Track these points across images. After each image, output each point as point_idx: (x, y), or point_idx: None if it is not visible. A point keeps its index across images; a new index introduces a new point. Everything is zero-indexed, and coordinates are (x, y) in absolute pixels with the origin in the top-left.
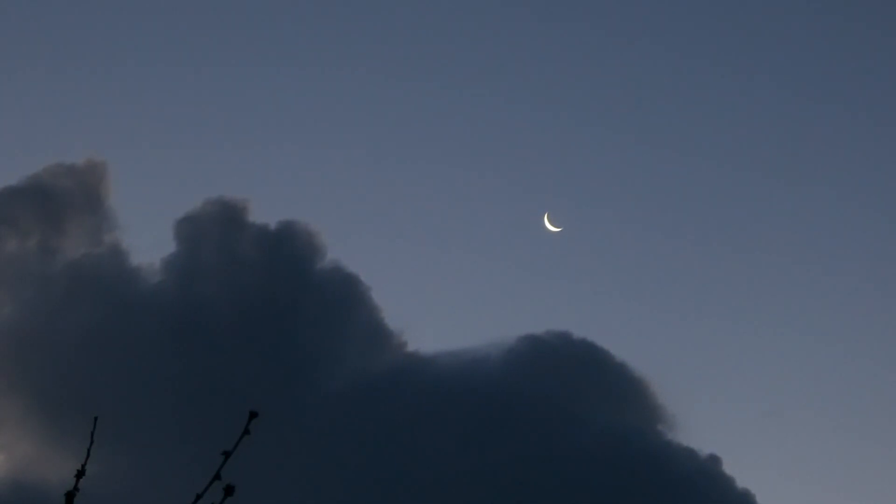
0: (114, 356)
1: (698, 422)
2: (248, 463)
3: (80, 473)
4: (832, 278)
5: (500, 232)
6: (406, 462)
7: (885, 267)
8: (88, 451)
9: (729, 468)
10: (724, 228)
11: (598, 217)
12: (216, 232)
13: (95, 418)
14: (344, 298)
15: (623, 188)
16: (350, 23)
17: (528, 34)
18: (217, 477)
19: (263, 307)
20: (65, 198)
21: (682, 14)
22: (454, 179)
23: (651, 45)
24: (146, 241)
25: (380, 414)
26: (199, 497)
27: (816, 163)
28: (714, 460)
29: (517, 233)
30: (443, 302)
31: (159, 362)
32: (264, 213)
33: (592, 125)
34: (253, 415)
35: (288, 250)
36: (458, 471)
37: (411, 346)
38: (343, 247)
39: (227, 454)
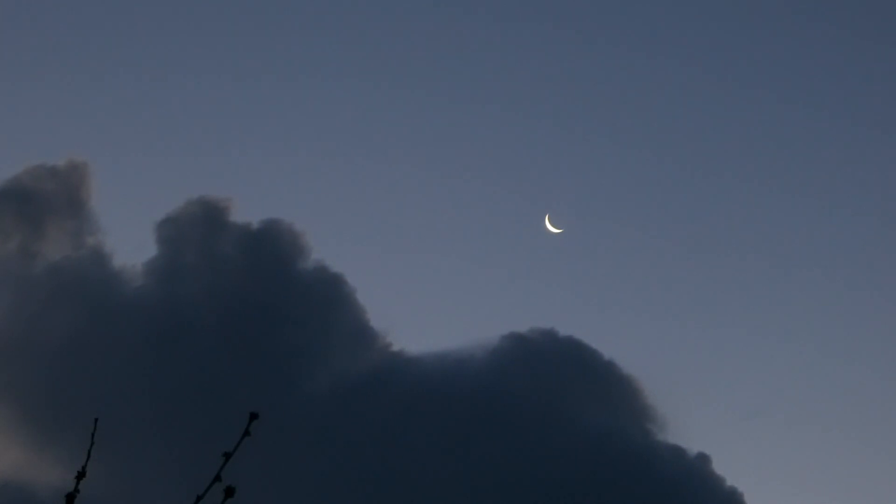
0: (96, 360)
1: (687, 421)
2: (232, 463)
3: (81, 475)
4: (821, 282)
5: (486, 232)
6: (391, 462)
7: (871, 271)
8: (89, 452)
9: (718, 467)
10: (715, 230)
11: (588, 216)
12: (199, 233)
13: (96, 420)
14: (329, 299)
15: (613, 188)
16: (333, 23)
17: (525, 38)
18: (217, 478)
19: (247, 308)
20: (46, 200)
21: (680, 25)
22: (438, 181)
23: (650, 54)
24: (129, 243)
25: (365, 414)
26: (199, 498)
27: (802, 171)
28: (703, 459)
29: (502, 232)
30: (428, 302)
31: (142, 366)
32: (247, 212)
33: (571, 125)
34: (253, 416)
35: (271, 250)
36: (443, 471)
37: (396, 347)
38: (328, 247)
39: (227, 455)
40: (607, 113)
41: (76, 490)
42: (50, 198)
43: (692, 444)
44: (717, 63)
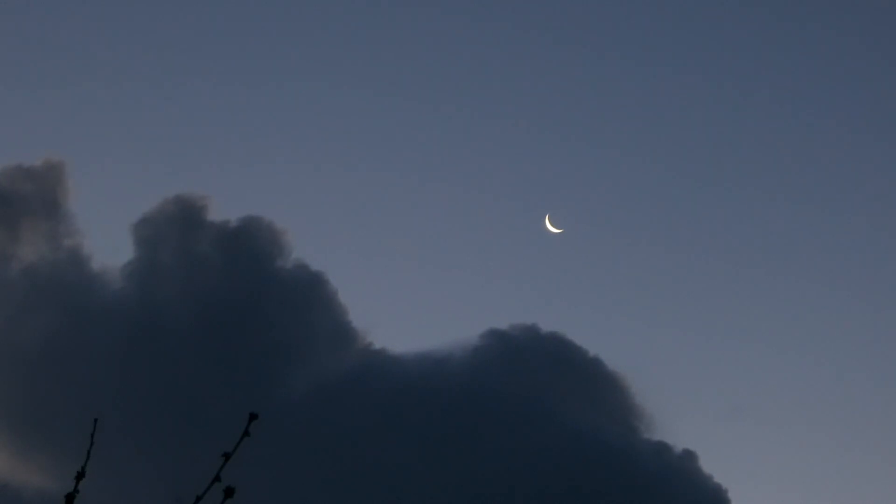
0: (74, 364)
1: (674, 418)
2: (215, 462)
3: (81, 475)
4: (808, 283)
5: (466, 229)
6: (373, 461)
7: (858, 273)
8: (88, 452)
9: (704, 465)
10: (703, 230)
11: (574, 213)
12: (176, 232)
13: (96, 420)
14: (309, 298)
15: (600, 187)
16: (312, 22)
17: (518, 38)
18: (217, 479)
19: (227, 308)
20: (22, 201)
21: (679, 30)
22: (419, 181)
23: (647, 58)
24: (106, 244)
25: (346, 413)
26: (199, 499)
27: (791, 175)
28: (689, 456)
29: (482, 229)
30: (409, 300)
31: (122, 368)
32: (225, 210)
33: (561, 124)
34: (253, 416)
35: (250, 248)
36: (425, 469)
37: (378, 345)
38: (308, 245)
39: (227, 456)
40: (596, 111)
41: (76, 490)
42: (26, 198)
43: (678, 441)
44: (715, 69)
